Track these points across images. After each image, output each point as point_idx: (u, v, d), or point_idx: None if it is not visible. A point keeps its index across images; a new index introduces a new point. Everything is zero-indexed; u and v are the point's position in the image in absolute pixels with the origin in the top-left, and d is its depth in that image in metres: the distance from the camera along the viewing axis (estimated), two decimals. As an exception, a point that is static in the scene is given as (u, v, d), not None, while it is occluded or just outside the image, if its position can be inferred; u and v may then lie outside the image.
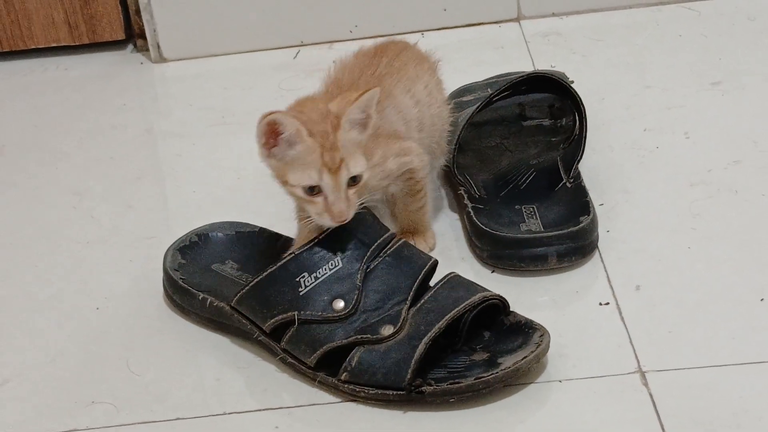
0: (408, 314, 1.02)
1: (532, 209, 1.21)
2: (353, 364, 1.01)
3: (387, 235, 1.08)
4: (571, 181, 1.24)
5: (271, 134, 1.04)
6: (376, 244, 1.06)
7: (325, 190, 1.03)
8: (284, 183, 1.06)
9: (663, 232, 1.20)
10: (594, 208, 1.20)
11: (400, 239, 1.09)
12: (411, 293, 1.04)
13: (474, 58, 1.54)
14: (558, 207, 1.21)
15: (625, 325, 1.08)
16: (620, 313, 1.09)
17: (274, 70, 1.62)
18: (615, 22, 1.63)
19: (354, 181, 1.04)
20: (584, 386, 1.01)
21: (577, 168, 1.25)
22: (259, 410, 1.04)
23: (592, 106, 1.38)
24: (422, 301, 1.03)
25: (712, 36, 1.56)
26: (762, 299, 1.09)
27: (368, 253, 1.05)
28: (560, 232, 1.15)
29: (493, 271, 1.17)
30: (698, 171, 1.28)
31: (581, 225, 1.16)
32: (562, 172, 1.25)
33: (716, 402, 0.98)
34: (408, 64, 1.19)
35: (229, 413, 1.04)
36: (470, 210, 1.21)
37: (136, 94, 1.63)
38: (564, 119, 1.34)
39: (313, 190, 1.04)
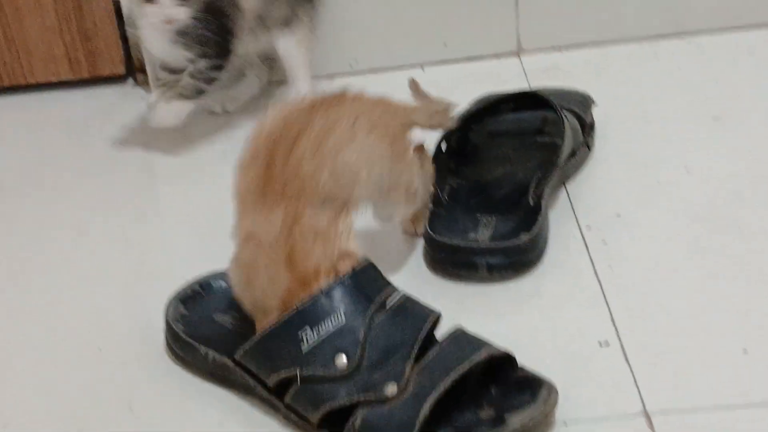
0: (412, 371, 1.00)
1: (490, 220, 1.24)
2: (357, 425, 0.99)
3: (389, 289, 1.06)
4: (534, 198, 1.25)
5: None
6: (378, 298, 1.04)
7: None
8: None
9: (665, 267, 1.20)
10: (540, 227, 1.21)
11: (403, 294, 1.07)
12: (415, 348, 1.01)
13: (474, 91, 1.54)
14: (512, 222, 1.24)
15: (629, 365, 1.07)
16: (623, 351, 1.09)
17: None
18: (615, 56, 1.63)
19: None
20: (589, 428, 1.01)
21: (542, 187, 1.25)
22: (263, 454, 1.03)
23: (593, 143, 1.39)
24: (427, 357, 1.01)
25: (712, 70, 1.56)
26: (768, 337, 1.09)
27: (371, 307, 1.03)
28: (494, 244, 1.19)
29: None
30: (699, 206, 1.28)
31: (516, 242, 1.19)
32: (531, 189, 1.25)
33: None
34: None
35: (232, 457, 1.03)
36: (429, 213, 1.25)
37: (136, 129, 1.63)
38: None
39: None
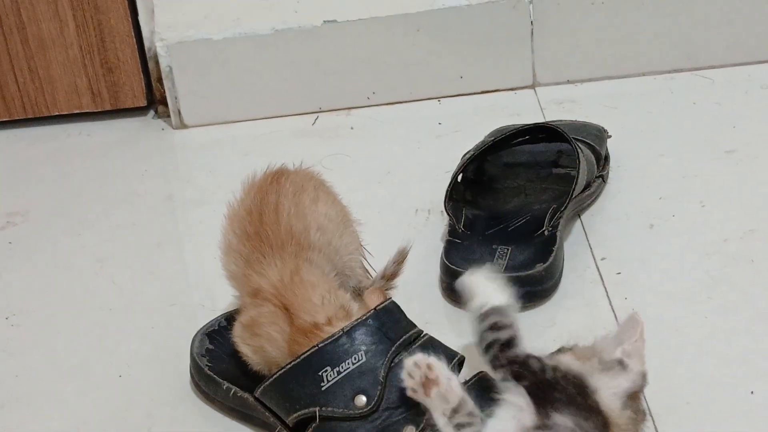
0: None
1: (506, 250, 1.26)
2: None
3: (414, 331, 1.05)
4: (550, 229, 1.26)
5: None
6: (401, 339, 1.03)
7: None
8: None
9: (679, 301, 1.21)
10: (555, 258, 1.23)
11: (426, 335, 1.06)
12: None
13: (490, 124, 1.56)
14: (528, 252, 1.25)
15: (643, 395, 1.08)
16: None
17: (293, 136, 1.65)
18: (629, 90, 1.65)
19: None
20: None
21: (558, 218, 1.27)
22: (281, 481, 1.04)
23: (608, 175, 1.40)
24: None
25: (725, 104, 1.58)
26: (781, 370, 1.10)
27: (393, 348, 1.02)
28: (510, 274, 1.20)
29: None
30: (714, 240, 1.30)
31: (532, 271, 1.21)
32: (546, 220, 1.27)
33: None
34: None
35: (251, 484, 1.05)
36: (445, 243, 1.28)
37: (158, 160, 1.66)
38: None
39: None
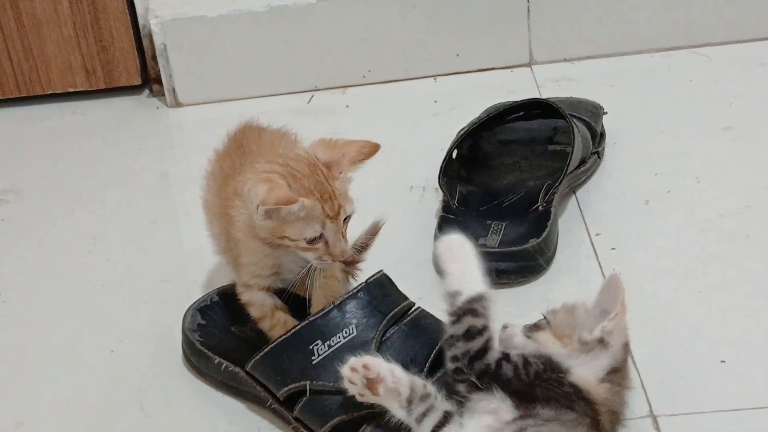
0: None
1: (500, 226, 1.25)
2: None
3: (404, 304, 1.05)
4: (544, 205, 1.26)
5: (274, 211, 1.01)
6: (392, 312, 1.03)
7: (327, 236, 1.02)
8: (281, 238, 1.02)
9: (674, 276, 1.21)
10: (549, 233, 1.22)
11: (418, 308, 1.06)
12: (427, 365, 1.00)
13: (486, 102, 1.55)
14: (522, 228, 1.25)
15: (636, 369, 1.08)
16: (631, 356, 1.09)
17: (288, 115, 1.62)
18: (626, 68, 1.64)
19: (346, 219, 1.04)
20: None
21: (552, 194, 1.27)
22: (272, 454, 1.04)
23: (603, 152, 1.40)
24: (439, 374, 0.99)
25: (722, 81, 1.57)
26: (774, 344, 1.09)
27: (384, 322, 1.02)
28: (503, 249, 1.20)
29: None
30: (709, 216, 1.29)
31: (525, 246, 1.20)
32: (540, 196, 1.26)
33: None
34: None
35: (242, 457, 1.04)
36: (439, 219, 1.28)
37: (152, 138, 1.65)
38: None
39: (314, 240, 1.02)
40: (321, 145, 1.05)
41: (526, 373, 0.93)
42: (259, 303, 1.09)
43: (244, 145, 1.12)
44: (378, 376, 0.93)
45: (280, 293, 1.10)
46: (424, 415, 0.93)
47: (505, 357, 0.93)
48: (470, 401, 0.93)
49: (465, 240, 0.97)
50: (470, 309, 0.94)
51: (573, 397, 0.92)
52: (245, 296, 1.09)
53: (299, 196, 0.99)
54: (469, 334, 0.93)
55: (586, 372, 0.94)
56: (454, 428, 0.93)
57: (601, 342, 0.96)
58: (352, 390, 0.94)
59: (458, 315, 0.94)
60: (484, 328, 0.93)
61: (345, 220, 1.04)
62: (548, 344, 0.97)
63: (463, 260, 0.96)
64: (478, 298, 0.94)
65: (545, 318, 0.99)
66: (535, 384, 0.92)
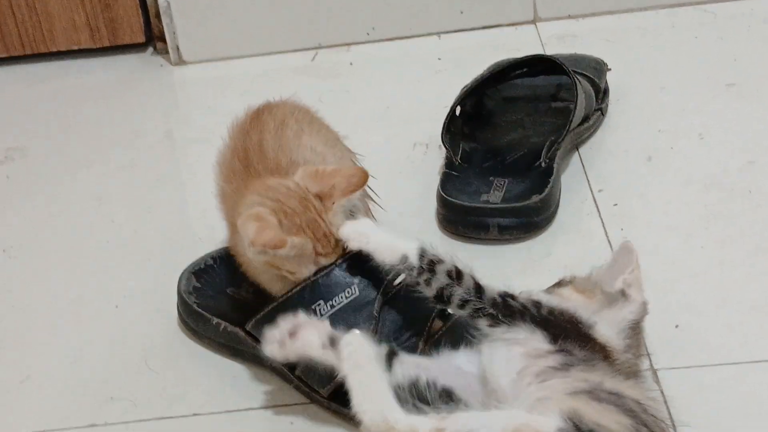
0: (425, 347, 0.99)
1: (503, 183, 1.26)
2: None
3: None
4: (546, 161, 1.26)
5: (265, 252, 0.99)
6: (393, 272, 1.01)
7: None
8: (276, 269, 1.01)
9: (677, 232, 1.21)
10: (552, 189, 1.23)
11: None
12: (428, 326, 1.01)
13: (490, 60, 1.55)
14: (524, 184, 1.25)
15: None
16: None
17: (292, 73, 1.64)
18: (631, 25, 1.63)
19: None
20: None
21: (555, 150, 1.27)
22: (276, 406, 1.05)
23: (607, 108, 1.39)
24: (439, 335, 1.00)
25: (727, 38, 1.57)
26: (775, 298, 1.10)
27: (386, 282, 1.01)
28: (506, 205, 1.21)
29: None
30: (712, 172, 1.29)
31: (528, 202, 1.21)
32: (543, 152, 1.27)
33: (729, 400, 0.99)
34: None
35: (246, 410, 1.05)
36: (442, 175, 1.28)
37: (156, 97, 1.65)
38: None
39: None
40: (309, 175, 1.02)
41: (538, 310, 0.94)
42: None
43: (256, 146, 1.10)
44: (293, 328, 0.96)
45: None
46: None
47: (510, 295, 0.95)
48: (494, 335, 0.93)
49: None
50: (428, 261, 0.95)
51: (592, 342, 0.93)
52: None
53: (290, 235, 0.98)
54: (452, 276, 0.94)
55: (608, 330, 0.95)
56: (478, 355, 0.94)
57: (623, 294, 0.98)
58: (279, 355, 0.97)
59: (427, 270, 0.95)
60: (456, 269, 0.95)
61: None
62: (572, 298, 0.98)
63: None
64: (424, 250, 0.96)
65: (563, 280, 1.00)
66: (558, 323, 0.93)
